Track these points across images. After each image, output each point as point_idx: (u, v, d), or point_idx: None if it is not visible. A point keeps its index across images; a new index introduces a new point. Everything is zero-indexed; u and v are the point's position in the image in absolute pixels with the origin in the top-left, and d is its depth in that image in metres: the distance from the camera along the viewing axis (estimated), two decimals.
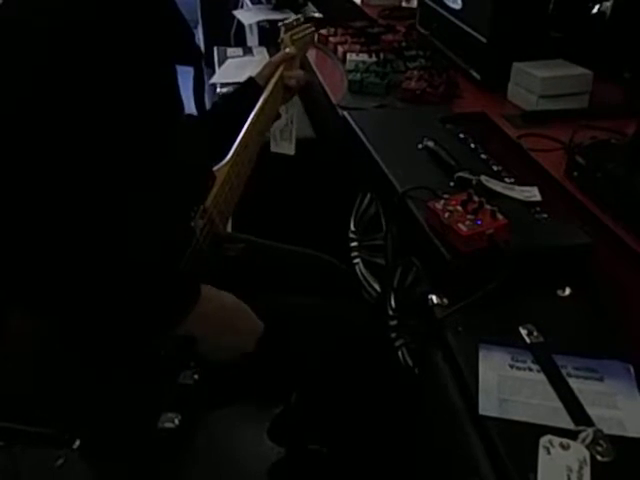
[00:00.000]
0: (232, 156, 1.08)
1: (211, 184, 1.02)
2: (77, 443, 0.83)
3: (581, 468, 0.72)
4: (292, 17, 1.34)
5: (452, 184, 1.15)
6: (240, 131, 1.13)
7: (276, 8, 2.78)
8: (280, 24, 1.34)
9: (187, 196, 0.96)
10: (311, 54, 2.09)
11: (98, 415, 0.84)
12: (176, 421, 0.85)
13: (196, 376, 0.89)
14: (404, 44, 1.96)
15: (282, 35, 1.31)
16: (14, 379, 0.86)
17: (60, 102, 0.75)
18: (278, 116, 1.31)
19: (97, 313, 0.80)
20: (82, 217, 0.78)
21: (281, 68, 1.25)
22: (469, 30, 1.64)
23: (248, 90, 1.26)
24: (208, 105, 1.34)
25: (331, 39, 2.06)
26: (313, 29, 1.37)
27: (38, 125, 0.74)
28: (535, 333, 0.91)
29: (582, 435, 0.76)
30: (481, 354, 0.88)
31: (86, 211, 0.79)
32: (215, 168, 1.05)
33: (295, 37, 1.31)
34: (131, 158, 0.84)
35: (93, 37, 0.78)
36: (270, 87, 1.21)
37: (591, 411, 0.79)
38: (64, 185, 0.76)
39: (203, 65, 1.23)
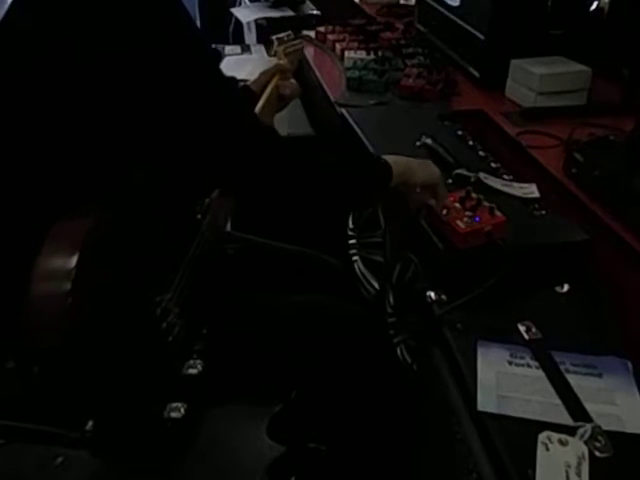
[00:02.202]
0: None
1: None
2: (90, 424, 0.82)
3: (579, 464, 0.72)
4: (284, 33, 1.41)
5: (450, 181, 1.15)
6: None
7: (274, 6, 2.78)
8: (273, 37, 1.41)
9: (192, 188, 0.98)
10: (309, 52, 2.09)
11: (105, 405, 0.84)
12: (182, 410, 0.86)
13: (200, 367, 0.90)
14: (402, 41, 1.96)
15: (275, 47, 1.37)
16: (21, 372, 0.86)
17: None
18: (272, 123, 1.33)
19: None
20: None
21: (276, 77, 1.30)
22: (467, 27, 1.64)
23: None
24: None
25: (329, 37, 2.06)
26: (303, 45, 1.44)
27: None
28: (534, 329, 0.91)
29: (580, 431, 0.76)
30: (480, 350, 0.88)
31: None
32: None
33: (288, 50, 1.37)
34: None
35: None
36: (266, 95, 1.25)
37: (589, 407, 0.79)
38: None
39: None
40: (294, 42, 1.40)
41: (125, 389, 0.83)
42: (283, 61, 1.34)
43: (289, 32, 1.41)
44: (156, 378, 0.88)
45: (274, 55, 1.39)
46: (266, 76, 1.31)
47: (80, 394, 0.81)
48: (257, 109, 1.21)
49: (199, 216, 1.06)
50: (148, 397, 0.87)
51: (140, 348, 0.86)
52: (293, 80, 1.36)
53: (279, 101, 1.31)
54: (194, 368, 0.91)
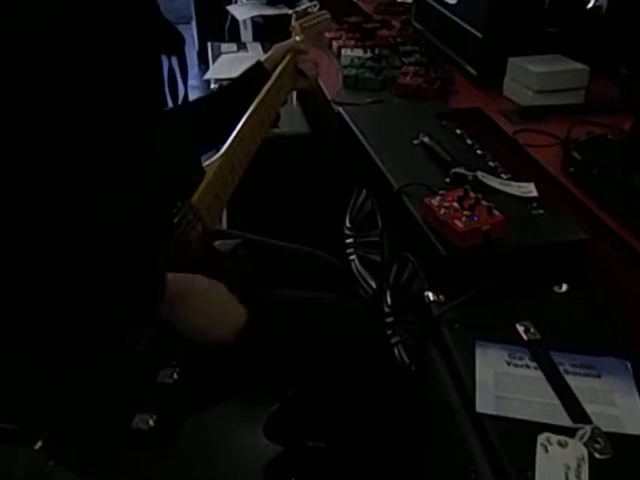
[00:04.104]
0: (225, 150, 1.05)
1: (199, 179, 1.00)
2: (39, 444, 0.81)
3: (579, 466, 0.71)
4: (306, 4, 1.31)
5: (448, 180, 1.15)
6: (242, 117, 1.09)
7: (270, 3, 2.77)
8: (291, 12, 1.30)
9: (167, 192, 0.93)
10: None
11: (66, 413, 0.82)
12: (150, 422, 0.82)
13: (176, 375, 0.87)
14: (399, 39, 1.96)
15: (293, 23, 1.26)
16: None
17: (36, 94, 0.75)
18: (284, 103, 1.27)
19: (67, 308, 0.78)
20: (49, 208, 0.76)
21: (288, 57, 1.21)
22: (465, 25, 1.63)
23: (255, 75, 1.22)
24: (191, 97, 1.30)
25: (326, 34, 2.04)
26: (328, 16, 1.31)
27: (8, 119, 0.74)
28: (532, 330, 0.91)
29: (580, 433, 0.75)
30: (478, 351, 0.87)
31: (54, 203, 0.77)
32: (207, 162, 1.03)
33: (305, 25, 1.26)
34: (105, 152, 0.82)
35: (72, 33, 0.77)
36: (275, 76, 1.17)
37: (589, 408, 0.79)
38: (32, 178, 0.75)
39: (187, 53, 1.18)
40: (316, 14, 1.28)
41: (81, 400, 0.81)
42: (300, 38, 1.23)
43: (314, 3, 1.29)
44: (121, 389, 0.85)
45: (292, 31, 1.26)
46: (279, 52, 1.21)
47: (36, 397, 0.80)
48: (263, 91, 1.13)
49: (176, 220, 0.95)
50: (111, 408, 0.84)
51: (97, 361, 0.83)
52: (311, 56, 1.24)
53: (293, 82, 1.22)
54: (170, 377, 0.87)
